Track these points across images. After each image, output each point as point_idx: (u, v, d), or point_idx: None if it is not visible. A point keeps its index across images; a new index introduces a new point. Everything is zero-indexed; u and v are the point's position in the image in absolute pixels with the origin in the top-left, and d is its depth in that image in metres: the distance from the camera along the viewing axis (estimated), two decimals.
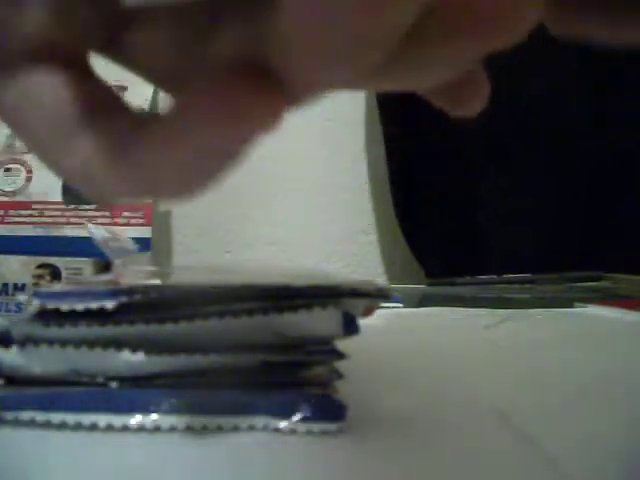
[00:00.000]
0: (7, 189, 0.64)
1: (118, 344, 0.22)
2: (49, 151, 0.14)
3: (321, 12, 0.11)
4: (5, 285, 0.60)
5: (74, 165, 0.14)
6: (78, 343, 0.21)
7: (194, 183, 0.13)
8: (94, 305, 0.21)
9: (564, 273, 0.70)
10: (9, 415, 0.21)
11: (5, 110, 0.14)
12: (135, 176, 0.14)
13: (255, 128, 0.12)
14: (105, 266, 0.57)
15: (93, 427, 0.21)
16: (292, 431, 0.21)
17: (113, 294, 0.21)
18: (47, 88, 0.14)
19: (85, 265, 0.60)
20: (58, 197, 0.63)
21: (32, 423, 0.21)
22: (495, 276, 0.71)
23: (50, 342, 0.21)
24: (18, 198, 0.64)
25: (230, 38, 0.14)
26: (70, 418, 0.21)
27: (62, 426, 0.21)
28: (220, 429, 0.21)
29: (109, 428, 0.21)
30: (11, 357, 0.22)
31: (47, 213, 0.63)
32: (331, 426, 0.21)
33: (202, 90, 0.12)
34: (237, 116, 0.12)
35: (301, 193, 0.85)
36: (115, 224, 0.63)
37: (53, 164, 0.15)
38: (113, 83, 0.16)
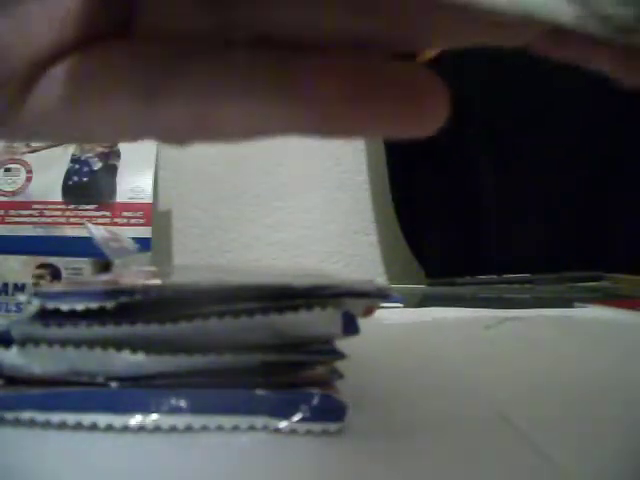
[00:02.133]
0: (7, 189, 0.64)
1: (118, 344, 0.21)
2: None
3: None
4: (5, 285, 0.60)
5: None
6: (78, 343, 0.21)
7: None
8: (94, 305, 0.21)
9: (564, 273, 0.70)
10: (9, 415, 0.21)
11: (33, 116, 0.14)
12: None
13: None
14: (105, 266, 0.57)
15: (93, 427, 0.21)
16: (292, 431, 0.21)
17: (113, 294, 0.21)
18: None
19: (85, 265, 0.60)
20: (58, 197, 0.63)
21: (32, 423, 0.21)
22: (495, 276, 0.71)
23: (50, 342, 0.21)
24: (18, 198, 0.64)
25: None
26: (70, 418, 0.21)
27: (62, 426, 0.21)
28: (220, 429, 0.21)
29: (109, 428, 0.21)
30: (11, 357, 0.22)
31: (47, 213, 0.63)
32: (331, 426, 0.21)
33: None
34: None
35: (301, 193, 0.85)
36: (115, 224, 0.63)
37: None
38: None
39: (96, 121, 0.15)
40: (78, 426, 0.21)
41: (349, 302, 0.23)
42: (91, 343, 0.21)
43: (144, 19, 0.14)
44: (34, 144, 0.66)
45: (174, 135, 0.15)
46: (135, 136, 0.15)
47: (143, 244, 0.55)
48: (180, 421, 0.21)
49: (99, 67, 0.14)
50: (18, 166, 0.65)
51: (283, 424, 0.21)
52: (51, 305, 0.21)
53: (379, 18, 0.13)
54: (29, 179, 0.64)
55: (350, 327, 0.22)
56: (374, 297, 0.24)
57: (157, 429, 0.21)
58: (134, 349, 0.21)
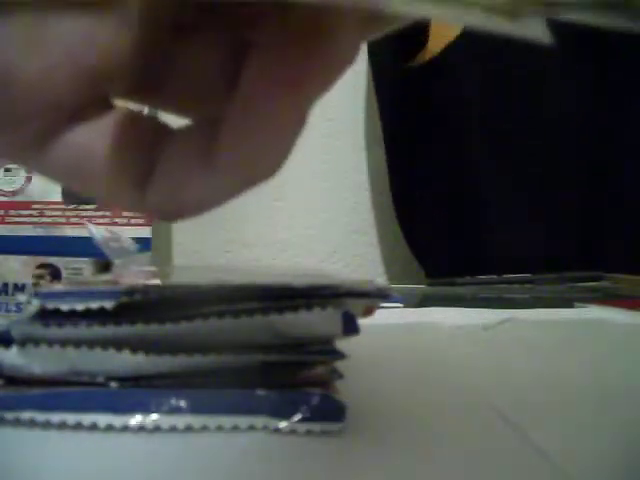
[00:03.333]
0: (7, 189, 0.64)
1: (118, 344, 0.21)
2: (115, 198, 0.15)
3: None
4: (5, 285, 0.60)
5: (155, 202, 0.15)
6: (78, 343, 0.21)
7: (283, 154, 0.14)
8: (94, 305, 0.21)
9: (564, 273, 0.70)
10: (9, 415, 0.21)
11: (52, 169, 0.15)
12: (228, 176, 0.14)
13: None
14: (105, 266, 0.57)
15: (93, 427, 0.21)
16: (292, 431, 0.21)
17: (113, 294, 0.21)
18: (95, 142, 0.14)
19: (85, 265, 0.60)
20: (58, 197, 0.64)
21: (32, 423, 0.21)
22: (495, 276, 0.71)
23: (50, 342, 0.21)
24: (18, 198, 0.64)
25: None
26: (70, 418, 0.21)
27: (62, 426, 0.21)
28: (220, 429, 0.21)
29: (109, 428, 0.21)
30: (11, 357, 0.22)
31: (47, 213, 0.63)
32: (331, 426, 0.21)
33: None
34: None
35: (301, 193, 0.85)
36: (115, 224, 0.63)
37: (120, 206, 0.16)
38: None
39: (99, 192, 0.15)
40: (78, 426, 0.21)
41: (349, 302, 0.23)
42: (91, 343, 0.21)
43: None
44: None
45: (160, 216, 0.16)
46: (133, 210, 0.16)
47: (143, 244, 0.55)
48: (180, 421, 0.21)
49: (111, 139, 0.15)
50: (18, 166, 0.65)
51: (283, 424, 0.21)
52: (51, 305, 0.21)
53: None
54: (29, 179, 0.64)
55: (350, 327, 0.22)
56: (374, 297, 0.24)
57: (157, 429, 0.21)
58: (134, 349, 0.21)
